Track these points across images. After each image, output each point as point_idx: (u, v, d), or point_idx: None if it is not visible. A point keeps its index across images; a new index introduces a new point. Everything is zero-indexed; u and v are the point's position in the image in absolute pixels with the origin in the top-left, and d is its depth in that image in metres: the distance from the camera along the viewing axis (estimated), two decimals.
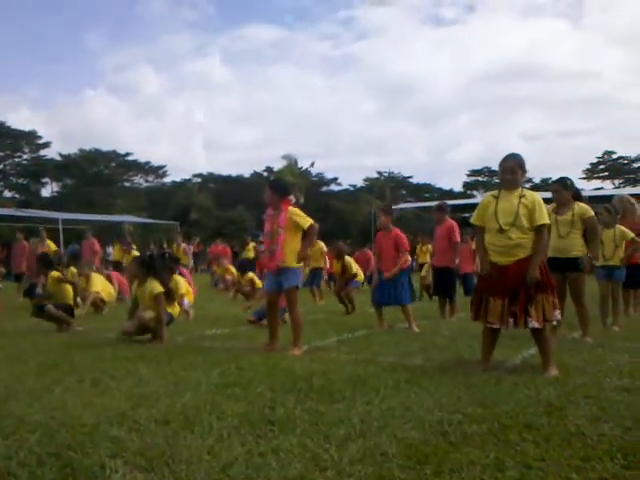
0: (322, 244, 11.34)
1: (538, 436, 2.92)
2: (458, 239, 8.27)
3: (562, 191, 6.22)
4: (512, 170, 4.65)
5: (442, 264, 8.38)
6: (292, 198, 5.79)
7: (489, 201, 4.74)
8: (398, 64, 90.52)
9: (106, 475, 2.47)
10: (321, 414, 3.35)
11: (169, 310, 6.62)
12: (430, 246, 13.12)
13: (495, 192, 4.79)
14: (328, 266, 10.93)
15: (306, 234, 5.71)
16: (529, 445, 2.80)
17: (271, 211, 5.79)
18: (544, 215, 4.55)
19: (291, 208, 5.71)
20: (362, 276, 10.14)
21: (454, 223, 8.38)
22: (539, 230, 4.53)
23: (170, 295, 6.66)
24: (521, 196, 4.59)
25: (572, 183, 6.33)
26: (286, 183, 6.18)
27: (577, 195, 6.32)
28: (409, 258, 7.71)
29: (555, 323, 4.77)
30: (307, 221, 5.69)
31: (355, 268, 9.95)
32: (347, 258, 10.08)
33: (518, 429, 3.04)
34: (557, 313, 4.60)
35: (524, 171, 4.71)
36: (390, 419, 3.25)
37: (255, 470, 2.51)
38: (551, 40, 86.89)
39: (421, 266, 13.67)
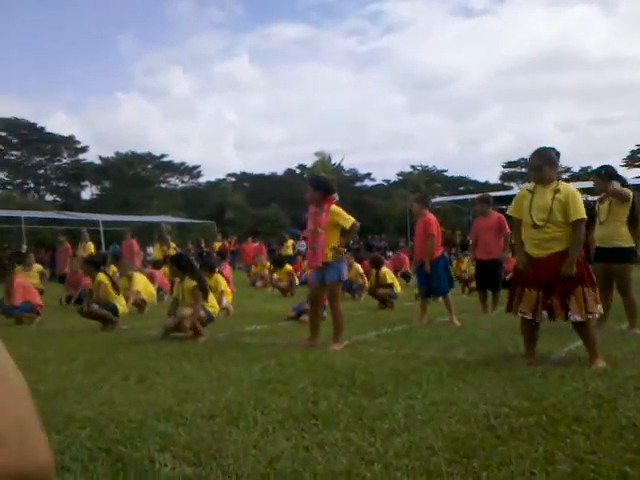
0: (358, 266, 11.24)
1: (588, 429, 2.86)
2: (509, 230, 8.10)
3: (597, 180, 6.14)
4: (537, 167, 4.59)
5: (487, 257, 8.22)
6: (335, 196, 5.76)
7: (524, 195, 4.68)
8: (427, 57, 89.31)
9: (155, 469, 2.52)
10: (364, 408, 3.35)
11: (209, 309, 6.68)
12: (467, 259, 12.85)
13: (531, 186, 4.71)
14: (367, 284, 10.81)
15: (346, 232, 5.73)
16: (579, 438, 2.74)
17: (313, 209, 5.76)
18: (579, 210, 4.43)
19: (333, 207, 5.69)
20: (399, 287, 10.01)
21: (501, 215, 8.23)
22: (575, 225, 4.43)
23: (205, 291, 6.71)
24: (556, 191, 4.50)
25: (609, 171, 6.16)
26: (328, 180, 6.07)
27: (620, 182, 6.16)
28: (440, 245, 7.61)
29: (597, 316, 4.65)
30: (349, 221, 5.69)
31: (390, 278, 9.86)
32: (384, 269, 10.03)
33: (567, 422, 2.98)
34: (599, 307, 4.49)
35: (551, 166, 4.59)
36: (434, 413, 3.22)
37: (301, 464, 2.52)
38: (584, 27, 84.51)
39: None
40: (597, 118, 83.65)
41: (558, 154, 4.68)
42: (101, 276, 7.88)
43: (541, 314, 4.44)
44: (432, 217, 7.55)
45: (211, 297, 6.90)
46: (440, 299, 7.85)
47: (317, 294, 5.89)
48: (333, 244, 5.64)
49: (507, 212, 4.88)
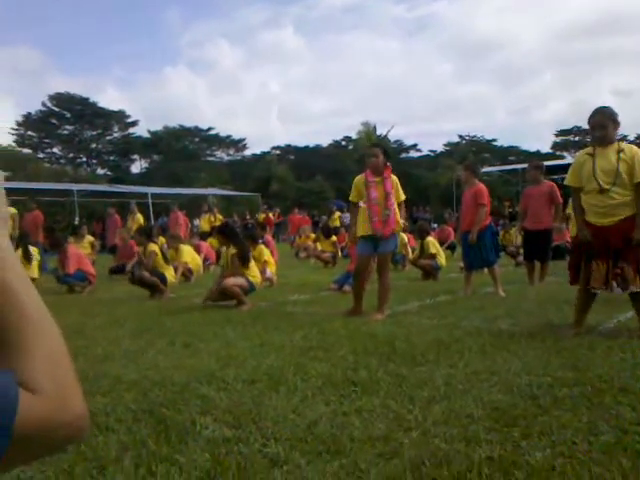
0: (404, 236, 11.17)
1: (635, 400, 2.78)
2: (560, 200, 7.84)
3: None
4: (602, 125, 4.32)
5: (538, 227, 7.98)
6: (389, 164, 5.75)
7: (584, 159, 4.43)
8: (476, 23, 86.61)
9: (197, 431, 2.58)
10: (404, 377, 3.34)
11: (250, 278, 6.74)
12: (514, 230, 12.55)
13: (589, 149, 4.47)
14: (410, 255, 10.72)
15: (401, 206, 5.81)
16: (625, 409, 2.66)
17: (372, 177, 5.70)
18: None
19: (393, 176, 5.74)
20: (443, 260, 9.84)
21: (553, 184, 7.98)
22: (639, 187, 4.19)
23: (245, 259, 6.78)
24: (619, 151, 4.26)
25: None
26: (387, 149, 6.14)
27: None
28: (488, 215, 7.45)
29: None
30: (402, 194, 5.84)
31: (435, 249, 9.73)
32: (429, 238, 9.90)
33: (613, 393, 2.90)
34: None
35: (616, 123, 4.36)
36: (475, 382, 3.19)
37: (339, 429, 2.54)
38: None
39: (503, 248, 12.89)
40: None
41: (618, 114, 4.42)
42: (153, 246, 8.11)
43: (612, 286, 4.24)
44: (483, 186, 7.39)
45: (253, 267, 6.96)
46: (485, 270, 7.71)
47: (365, 264, 5.84)
48: (397, 214, 5.70)
49: (565, 182, 4.64)
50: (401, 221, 5.83)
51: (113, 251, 13.45)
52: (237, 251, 6.74)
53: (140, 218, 14.54)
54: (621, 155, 4.23)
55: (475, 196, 7.23)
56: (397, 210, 5.72)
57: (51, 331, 0.71)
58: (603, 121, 4.32)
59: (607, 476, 2.01)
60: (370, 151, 5.79)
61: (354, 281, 6.07)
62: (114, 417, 2.80)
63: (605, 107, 4.43)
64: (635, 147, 4.36)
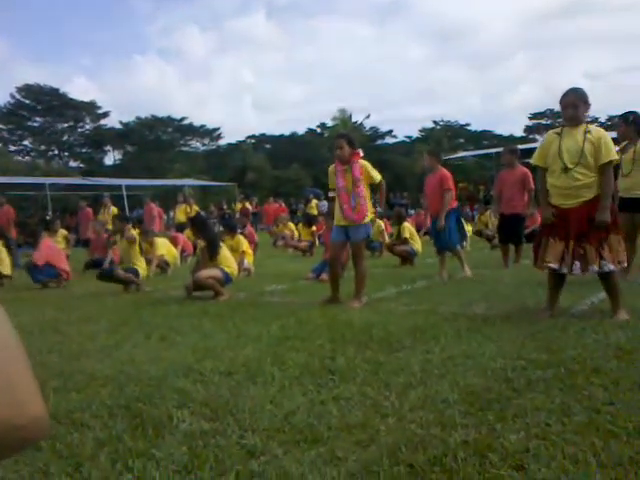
0: (381, 223, 11.28)
1: (607, 380, 2.83)
2: (533, 185, 7.91)
3: (623, 126, 5.90)
4: (573, 104, 4.34)
5: (511, 211, 8.09)
6: (360, 152, 5.74)
7: (552, 139, 4.46)
8: (449, 8, 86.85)
9: (173, 425, 2.56)
10: (381, 363, 3.36)
11: (226, 269, 6.69)
12: (489, 213, 12.70)
13: (558, 129, 4.51)
14: (387, 240, 10.80)
15: (378, 188, 5.80)
16: (597, 389, 2.71)
17: (340, 166, 5.72)
18: (611, 151, 4.25)
19: (362, 160, 5.70)
20: (418, 245, 9.89)
21: (527, 169, 8.06)
22: (604, 168, 4.24)
23: (212, 251, 6.72)
24: (586, 132, 4.30)
25: (637, 117, 5.94)
26: (354, 136, 6.16)
27: None
28: (454, 198, 7.56)
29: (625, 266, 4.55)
30: (377, 175, 5.76)
31: (409, 233, 9.78)
32: (405, 224, 9.96)
33: (585, 374, 2.95)
34: (625, 258, 4.38)
35: (587, 104, 4.40)
36: (451, 367, 3.22)
37: (317, 418, 2.54)
38: None
39: (479, 233, 13.17)
40: (625, 66, 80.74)
41: (588, 96, 4.47)
42: (132, 230, 7.99)
43: (573, 265, 4.29)
44: (446, 171, 7.49)
45: (229, 257, 6.91)
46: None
47: (338, 252, 5.88)
48: (369, 200, 5.69)
49: (531, 161, 4.69)
50: (373, 208, 5.79)
51: (86, 244, 13.27)
52: (205, 243, 6.73)
53: (114, 210, 14.36)
54: (587, 136, 4.27)
55: (441, 181, 7.32)
56: (368, 196, 5.70)
57: (3, 324, 0.67)
58: (574, 101, 4.35)
59: (580, 456, 2.04)
60: (335, 143, 5.80)
61: (329, 269, 6.11)
62: (89, 413, 2.77)
63: (577, 88, 4.47)
64: (602, 130, 4.42)
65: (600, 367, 3.05)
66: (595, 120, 48.85)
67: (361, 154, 5.74)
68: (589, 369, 3.03)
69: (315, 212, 18.88)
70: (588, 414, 2.43)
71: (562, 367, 3.08)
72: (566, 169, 4.29)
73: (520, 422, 2.39)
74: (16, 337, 0.68)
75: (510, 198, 8.10)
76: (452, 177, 7.45)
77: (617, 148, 6.07)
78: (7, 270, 9.20)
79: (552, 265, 4.40)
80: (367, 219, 5.68)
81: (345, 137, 5.89)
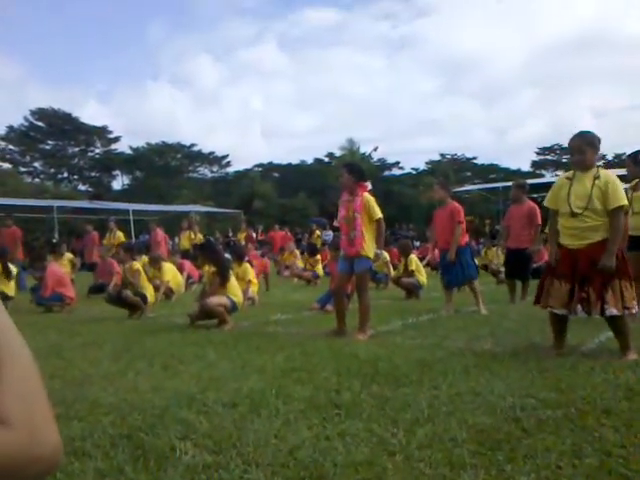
0: (386, 254, 11.29)
1: (618, 422, 2.78)
2: (540, 221, 7.90)
3: (631, 166, 5.92)
4: (580, 150, 4.37)
5: (517, 246, 8.06)
6: (368, 184, 5.75)
7: (562, 183, 4.48)
8: (459, 41, 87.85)
9: (176, 456, 2.52)
10: (387, 399, 3.31)
11: (234, 299, 6.67)
12: (496, 249, 12.70)
13: (570, 173, 4.53)
14: (392, 273, 10.76)
15: (376, 227, 5.67)
16: (608, 431, 2.66)
17: (346, 196, 5.72)
18: (619, 197, 4.23)
19: (366, 194, 5.67)
20: (424, 278, 9.84)
21: (534, 204, 8.08)
22: (614, 213, 4.22)
23: (223, 277, 6.71)
24: (595, 177, 4.30)
25: None
26: (362, 167, 6.14)
27: None
28: (465, 233, 7.51)
29: (634, 312, 4.44)
30: (377, 213, 5.65)
31: (415, 265, 9.77)
32: (411, 256, 9.96)
33: (596, 415, 2.89)
34: (635, 303, 4.29)
35: (595, 149, 4.40)
36: (459, 404, 3.16)
37: (322, 454, 2.49)
38: (622, 7, 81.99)
39: (485, 267, 13.09)
40: (634, 104, 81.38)
41: (599, 140, 4.47)
42: (137, 264, 8.03)
43: (576, 309, 4.25)
44: (457, 204, 7.45)
45: (235, 286, 6.89)
46: (467, 288, 7.74)
47: (343, 283, 5.86)
48: (370, 235, 5.60)
49: (544, 203, 4.69)
50: (375, 249, 5.66)
51: (91, 268, 13.28)
52: (216, 269, 6.70)
53: (121, 236, 14.39)
54: (596, 181, 4.28)
55: (452, 214, 7.28)
56: (365, 231, 5.56)
57: (22, 358, 0.66)
58: (581, 146, 4.37)
59: None
60: (339, 172, 5.84)
61: (334, 300, 6.08)
62: (91, 442, 2.72)
63: (586, 132, 4.49)
64: (612, 174, 4.40)
65: (611, 408, 2.99)
66: (603, 157, 49.07)
67: (368, 187, 5.74)
68: (599, 410, 2.97)
69: (318, 243, 18.85)
70: (599, 457, 2.37)
71: (572, 407, 3.02)
72: (574, 214, 4.30)
73: (530, 463, 2.33)
74: (36, 368, 0.67)
75: (517, 233, 8.09)
76: (462, 210, 7.44)
77: (627, 185, 6.10)
78: (11, 291, 9.21)
79: (555, 311, 4.38)
80: (366, 252, 5.57)
81: (347, 167, 5.91)
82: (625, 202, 4.28)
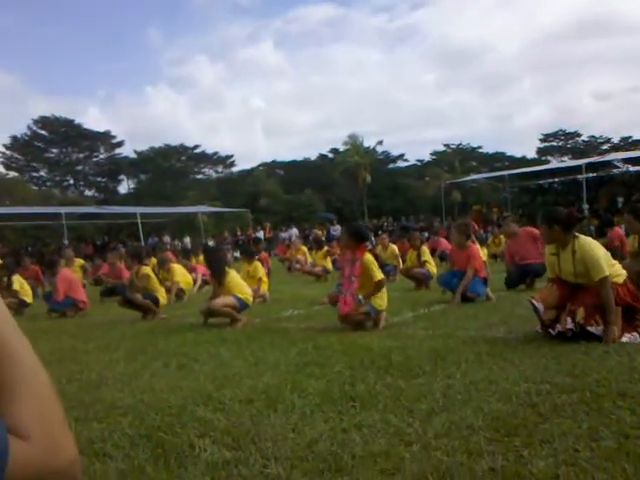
0: (394, 247, 11.34)
1: (634, 404, 2.78)
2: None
3: (633, 222, 5.89)
4: (543, 232, 4.63)
5: (525, 262, 8.35)
6: (368, 244, 5.80)
7: (552, 260, 4.68)
8: (457, 31, 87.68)
9: (195, 454, 2.54)
10: (402, 389, 3.32)
11: (240, 296, 6.68)
12: (503, 237, 12.74)
13: (553, 249, 4.65)
14: (401, 265, 10.81)
15: (375, 287, 5.68)
16: (625, 413, 2.66)
17: (348, 255, 5.80)
18: (600, 269, 4.28)
19: (367, 256, 5.70)
20: (434, 268, 9.86)
21: (532, 229, 8.48)
22: (600, 284, 4.28)
23: (216, 277, 6.83)
24: (573, 252, 4.44)
25: None
26: (362, 228, 6.23)
27: None
28: (482, 269, 7.59)
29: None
30: (378, 275, 5.67)
31: (427, 256, 9.81)
32: (423, 247, 9.99)
33: (612, 397, 2.89)
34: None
35: (560, 224, 4.49)
36: (474, 392, 3.17)
37: (340, 446, 2.51)
38: None
39: (494, 256, 13.15)
40: (638, 85, 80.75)
41: (566, 213, 4.65)
42: (145, 269, 8.07)
43: (565, 320, 4.33)
44: (476, 249, 7.54)
45: (241, 285, 6.89)
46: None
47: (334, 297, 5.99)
48: (366, 290, 5.63)
49: (547, 275, 4.90)
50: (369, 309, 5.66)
51: (99, 282, 13.22)
52: (211, 272, 7.00)
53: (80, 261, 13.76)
54: (575, 256, 4.41)
55: (468, 259, 7.33)
56: (366, 286, 5.63)
57: (40, 376, 0.69)
58: (541, 226, 4.62)
59: None
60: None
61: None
62: (111, 443, 2.76)
63: (547, 210, 4.75)
64: (587, 244, 4.44)
65: (626, 390, 2.99)
66: (608, 140, 48.74)
67: (368, 247, 5.91)
68: (615, 393, 2.97)
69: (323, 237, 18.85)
70: (617, 439, 2.38)
71: (587, 391, 3.02)
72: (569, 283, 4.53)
73: (548, 448, 2.34)
74: (52, 386, 0.70)
75: (523, 254, 8.41)
76: (479, 251, 7.60)
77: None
78: (29, 299, 9.54)
79: (534, 301, 4.58)
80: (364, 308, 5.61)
81: (347, 229, 6.05)
82: (605, 273, 4.27)
